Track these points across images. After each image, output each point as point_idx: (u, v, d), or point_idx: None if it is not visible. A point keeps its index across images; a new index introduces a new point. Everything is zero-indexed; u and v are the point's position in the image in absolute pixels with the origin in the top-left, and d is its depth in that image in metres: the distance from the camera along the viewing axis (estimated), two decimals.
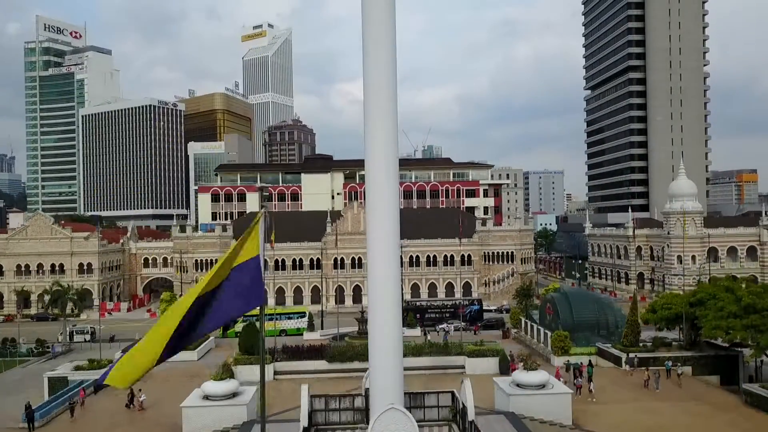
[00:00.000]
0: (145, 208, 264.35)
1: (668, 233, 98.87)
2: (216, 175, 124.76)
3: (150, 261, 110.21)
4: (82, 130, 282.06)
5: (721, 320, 42.86)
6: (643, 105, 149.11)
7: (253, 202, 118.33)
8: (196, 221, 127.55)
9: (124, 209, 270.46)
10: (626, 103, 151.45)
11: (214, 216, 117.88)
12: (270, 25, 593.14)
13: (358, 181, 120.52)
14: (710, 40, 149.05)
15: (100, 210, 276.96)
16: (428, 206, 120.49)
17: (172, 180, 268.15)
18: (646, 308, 57.05)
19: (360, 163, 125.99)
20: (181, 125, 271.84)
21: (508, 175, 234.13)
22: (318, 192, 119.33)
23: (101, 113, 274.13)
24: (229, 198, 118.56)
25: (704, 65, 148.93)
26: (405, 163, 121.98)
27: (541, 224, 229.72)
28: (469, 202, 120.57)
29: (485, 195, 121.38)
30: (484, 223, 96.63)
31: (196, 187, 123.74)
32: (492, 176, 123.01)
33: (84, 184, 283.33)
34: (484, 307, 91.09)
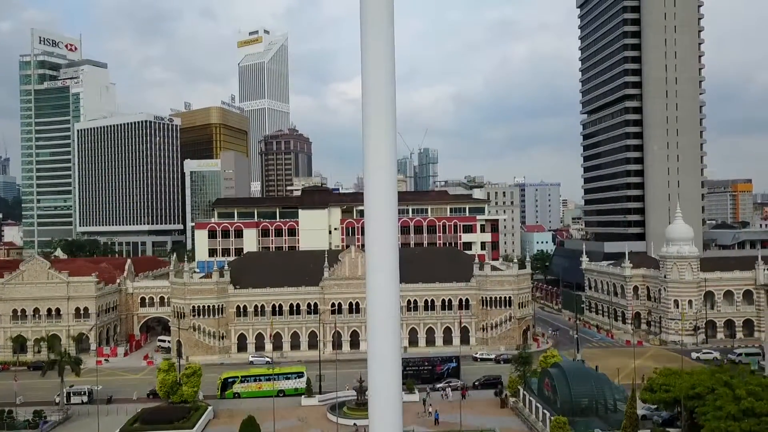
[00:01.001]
0: (141, 224, 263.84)
1: (665, 277, 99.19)
2: (212, 209, 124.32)
3: (147, 300, 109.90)
4: (78, 145, 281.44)
5: (720, 421, 43.02)
6: (639, 134, 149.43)
7: (250, 239, 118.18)
8: (193, 252, 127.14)
9: (119, 224, 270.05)
10: (623, 132, 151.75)
11: (211, 252, 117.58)
12: (266, 31, 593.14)
13: (355, 217, 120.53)
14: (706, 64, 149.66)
15: (96, 225, 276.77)
16: (425, 242, 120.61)
17: (168, 196, 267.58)
18: (643, 384, 57.21)
19: (357, 198, 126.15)
20: (177, 140, 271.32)
21: (504, 192, 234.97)
22: (315, 228, 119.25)
23: (97, 128, 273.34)
24: (226, 234, 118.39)
25: (700, 94, 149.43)
26: (402, 198, 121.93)
27: (537, 242, 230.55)
28: (466, 237, 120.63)
29: (482, 230, 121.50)
30: (481, 267, 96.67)
31: (193, 224, 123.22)
32: (488, 212, 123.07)
33: (80, 199, 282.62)
34: (482, 355, 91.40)
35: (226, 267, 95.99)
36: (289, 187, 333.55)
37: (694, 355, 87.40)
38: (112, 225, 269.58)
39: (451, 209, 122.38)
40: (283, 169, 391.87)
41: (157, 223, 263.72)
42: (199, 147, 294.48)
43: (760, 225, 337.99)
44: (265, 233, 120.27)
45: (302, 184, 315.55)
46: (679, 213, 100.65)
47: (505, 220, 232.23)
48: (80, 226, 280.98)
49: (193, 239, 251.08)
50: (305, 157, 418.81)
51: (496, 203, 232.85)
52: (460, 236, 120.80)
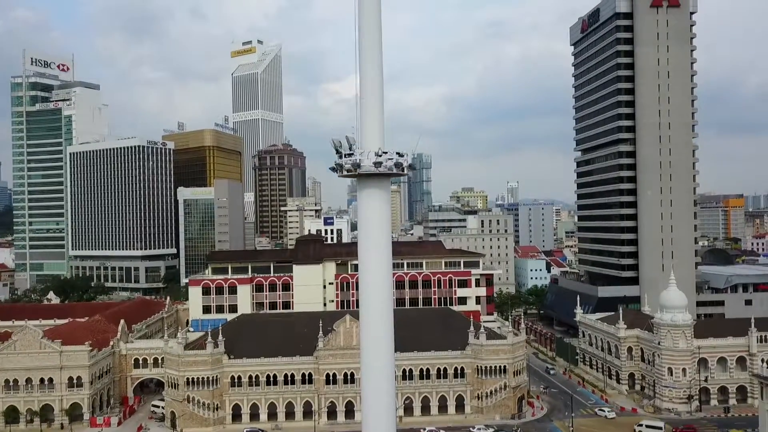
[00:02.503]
0: (134, 248, 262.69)
1: (659, 343, 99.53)
2: (206, 266, 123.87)
3: (140, 361, 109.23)
4: (70, 167, 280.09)
5: None
6: (633, 178, 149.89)
7: (244, 295, 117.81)
8: (188, 308, 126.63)
9: (112, 249, 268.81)
10: (616, 176, 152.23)
11: (205, 309, 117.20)
12: (259, 41, 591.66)
13: (350, 271, 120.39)
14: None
15: (89, 249, 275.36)
16: (421, 296, 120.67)
17: (162, 221, 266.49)
18: None
19: (352, 250, 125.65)
20: (170, 164, 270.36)
21: (498, 221, 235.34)
22: (310, 283, 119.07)
23: (90, 151, 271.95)
24: (220, 291, 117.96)
25: (693, 137, 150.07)
26: (397, 251, 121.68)
27: (531, 269, 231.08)
28: (461, 292, 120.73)
29: (477, 284, 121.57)
30: (476, 335, 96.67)
31: (187, 281, 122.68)
32: (482, 265, 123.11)
33: (72, 222, 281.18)
34: (479, 429, 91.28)
35: (220, 337, 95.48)
36: (282, 207, 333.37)
37: (637, 428, 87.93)
38: (105, 249, 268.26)
39: (446, 263, 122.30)
40: (276, 185, 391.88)
41: (150, 248, 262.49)
42: (192, 169, 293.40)
43: (752, 244, 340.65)
44: (259, 288, 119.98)
45: (296, 205, 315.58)
46: (672, 280, 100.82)
47: (499, 248, 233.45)
48: (73, 249, 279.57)
49: (186, 264, 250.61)
50: (299, 172, 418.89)
51: (490, 231, 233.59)
52: (455, 291, 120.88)
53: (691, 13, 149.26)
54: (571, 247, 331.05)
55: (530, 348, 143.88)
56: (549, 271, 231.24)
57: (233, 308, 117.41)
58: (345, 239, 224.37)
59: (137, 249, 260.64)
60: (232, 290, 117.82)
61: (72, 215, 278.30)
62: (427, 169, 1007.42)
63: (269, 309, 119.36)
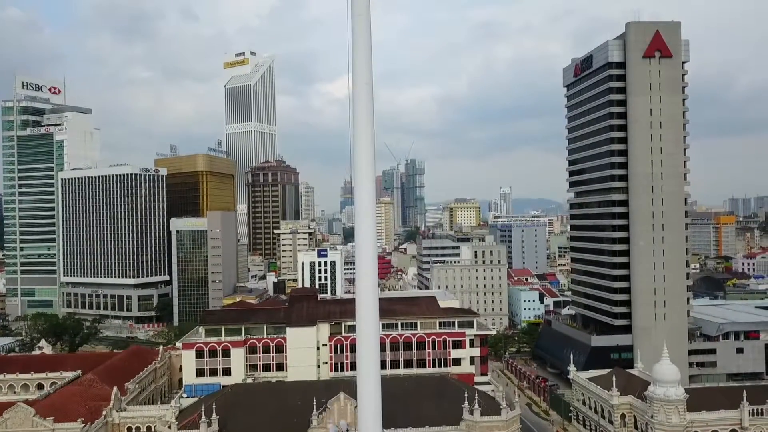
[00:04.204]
0: (126, 276, 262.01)
1: (652, 416, 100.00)
2: (199, 329, 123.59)
3: (134, 430, 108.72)
4: (62, 193, 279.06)
5: None
6: (625, 227, 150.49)
7: (238, 358, 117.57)
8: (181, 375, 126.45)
9: (104, 276, 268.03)
10: (609, 224, 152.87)
11: (199, 372, 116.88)
12: (252, 53, 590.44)
13: (344, 333, 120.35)
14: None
15: (80, 276, 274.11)
16: (415, 358, 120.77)
17: (154, 248, 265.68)
18: None
19: (346, 309, 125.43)
20: (163, 191, 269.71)
21: (491, 251, 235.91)
22: (303, 346, 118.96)
23: (82, 178, 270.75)
24: (213, 354, 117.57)
25: (685, 186, 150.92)
26: (391, 312, 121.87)
27: (524, 300, 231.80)
28: (455, 353, 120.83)
29: (471, 345, 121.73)
30: (471, 412, 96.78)
31: (180, 344, 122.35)
32: (476, 325, 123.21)
33: (64, 248, 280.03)
34: None
35: (214, 415, 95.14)
36: (276, 231, 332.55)
37: None
38: (97, 276, 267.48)
39: (440, 323, 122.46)
40: (270, 202, 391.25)
41: (142, 276, 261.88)
42: (185, 195, 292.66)
43: (743, 264, 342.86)
44: (253, 350, 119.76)
45: (289, 228, 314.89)
46: (665, 354, 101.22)
47: (492, 278, 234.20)
48: (64, 275, 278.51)
49: (179, 294, 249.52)
50: (292, 188, 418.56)
51: (484, 261, 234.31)
52: (450, 352, 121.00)
53: (683, 63, 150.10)
54: (564, 265, 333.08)
55: (523, 397, 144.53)
56: (542, 302, 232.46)
57: (227, 371, 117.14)
58: (338, 271, 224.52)
59: (130, 277, 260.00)
60: (226, 353, 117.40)
61: (63, 241, 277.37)
62: (421, 174, 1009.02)
63: (263, 371, 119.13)
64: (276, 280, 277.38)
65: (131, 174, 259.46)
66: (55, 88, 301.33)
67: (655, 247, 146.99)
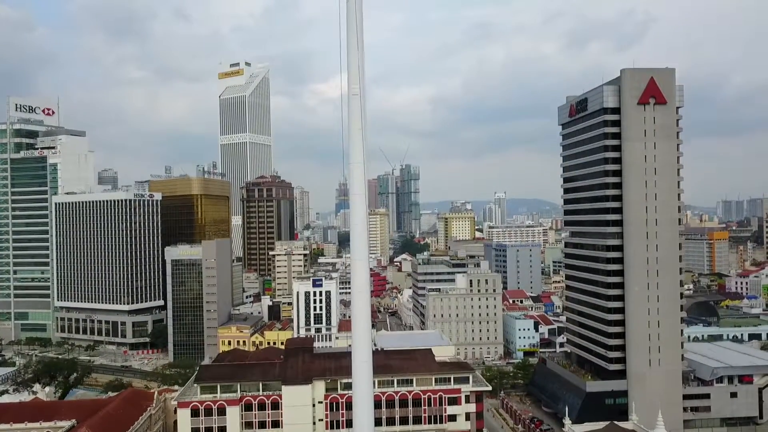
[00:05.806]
0: (120, 303, 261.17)
1: None
2: (195, 383, 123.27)
3: None
4: (56, 217, 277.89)
5: None
6: (620, 271, 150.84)
7: (233, 416, 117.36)
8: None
9: (98, 302, 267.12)
10: (604, 268, 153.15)
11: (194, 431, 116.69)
12: (247, 63, 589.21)
13: (339, 391, 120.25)
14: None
15: (74, 300, 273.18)
16: (411, 415, 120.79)
17: (148, 273, 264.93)
18: None
19: (341, 365, 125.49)
20: (158, 216, 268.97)
21: (486, 280, 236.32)
22: (299, 404, 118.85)
23: (76, 202, 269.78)
24: (209, 412, 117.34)
25: (680, 232, 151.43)
26: (388, 368, 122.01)
27: (519, 329, 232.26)
28: (451, 410, 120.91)
29: (467, 401, 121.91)
30: None
31: (176, 402, 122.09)
32: (472, 381, 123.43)
33: (57, 272, 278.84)
34: None
35: None
36: (271, 252, 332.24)
37: None
38: (91, 302, 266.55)
39: (436, 380, 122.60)
40: (265, 218, 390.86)
41: (136, 302, 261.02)
42: (180, 218, 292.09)
43: (736, 283, 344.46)
44: (248, 407, 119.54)
45: (284, 249, 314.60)
46: (660, 421, 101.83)
47: (488, 307, 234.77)
48: (58, 300, 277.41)
49: (173, 320, 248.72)
50: (287, 203, 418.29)
51: (479, 290, 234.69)
52: (445, 409, 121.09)
53: (677, 108, 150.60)
54: (559, 282, 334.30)
55: None
56: (537, 330, 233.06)
57: (222, 430, 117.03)
58: (333, 301, 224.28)
59: (124, 303, 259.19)
60: (221, 411, 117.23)
61: (57, 265, 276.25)
62: (416, 180, 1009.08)
63: (258, 428, 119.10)
64: (271, 304, 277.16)
65: (125, 200, 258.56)
66: (48, 109, 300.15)
67: (649, 293, 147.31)
